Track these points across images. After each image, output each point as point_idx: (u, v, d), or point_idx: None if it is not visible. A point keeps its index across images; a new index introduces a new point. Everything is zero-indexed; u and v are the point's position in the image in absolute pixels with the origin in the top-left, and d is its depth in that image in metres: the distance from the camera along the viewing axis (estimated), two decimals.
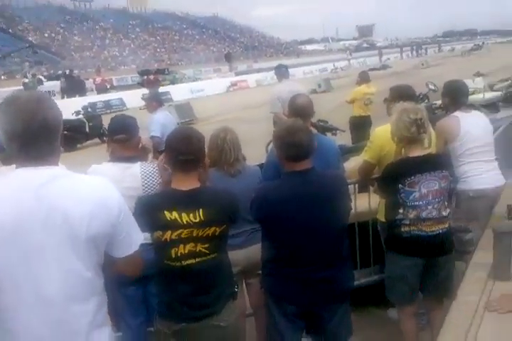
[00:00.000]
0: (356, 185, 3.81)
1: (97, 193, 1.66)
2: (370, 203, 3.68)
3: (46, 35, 56.28)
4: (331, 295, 2.56)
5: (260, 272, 2.79)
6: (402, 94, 3.51)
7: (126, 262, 1.80)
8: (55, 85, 27.56)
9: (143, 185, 2.94)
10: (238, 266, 3.08)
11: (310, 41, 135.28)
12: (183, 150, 2.26)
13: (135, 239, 1.80)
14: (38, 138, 1.59)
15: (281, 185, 2.61)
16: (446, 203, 2.99)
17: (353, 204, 3.54)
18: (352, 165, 4.12)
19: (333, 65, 40.27)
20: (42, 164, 1.60)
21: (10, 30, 52.35)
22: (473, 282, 2.21)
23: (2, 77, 38.26)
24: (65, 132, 13.26)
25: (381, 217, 3.41)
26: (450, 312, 2.01)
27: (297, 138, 2.47)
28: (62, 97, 25.13)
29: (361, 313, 3.86)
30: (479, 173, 3.70)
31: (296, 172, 2.51)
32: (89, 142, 13.37)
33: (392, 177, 2.95)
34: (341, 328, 2.64)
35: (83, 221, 1.59)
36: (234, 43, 77.23)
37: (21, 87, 26.31)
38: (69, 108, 15.68)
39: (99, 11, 71.47)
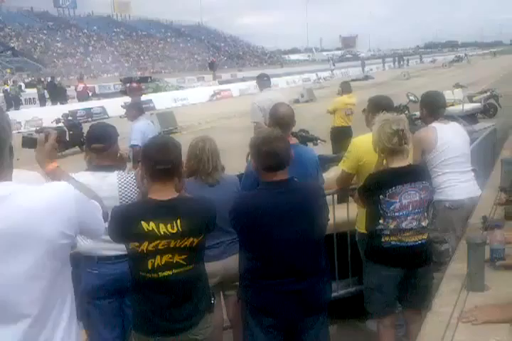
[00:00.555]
0: (335, 196, 3.83)
1: (50, 206, 1.58)
2: (348, 214, 3.69)
3: (28, 41, 55.87)
4: (308, 307, 2.54)
5: (238, 284, 2.77)
6: (379, 105, 3.53)
7: None
8: (36, 92, 27.30)
9: (120, 195, 2.91)
10: (216, 277, 3.06)
11: (294, 51, 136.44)
12: (160, 159, 2.24)
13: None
14: None
15: (258, 195, 2.59)
16: (425, 214, 3.02)
17: (331, 215, 3.58)
18: (331, 175, 4.14)
19: (316, 75, 40.53)
20: None
21: None
22: (448, 293, 2.22)
23: None
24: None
25: (359, 228, 3.42)
26: (424, 323, 2.02)
27: (274, 148, 2.45)
28: (42, 105, 24.89)
29: (340, 325, 3.87)
30: (455, 184, 3.73)
31: (273, 183, 2.50)
32: (68, 151, 13.21)
33: (373, 187, 2.96)
34: (319, 340, 2.62)
35: (42, 235, 1.55)
36: (218, 52, 77.51)
37: (1, 94, 26.06)
38: (49, 116, 15.62)
39: (83, 18, 71.27)
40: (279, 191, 2.49)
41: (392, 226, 2.91)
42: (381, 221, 2.93)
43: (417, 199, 2.91)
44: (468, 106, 13.80)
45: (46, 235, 1.57)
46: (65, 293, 1.68)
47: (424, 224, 2.98)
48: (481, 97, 15.11)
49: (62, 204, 1.62)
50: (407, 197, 2.88)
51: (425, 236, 2.99)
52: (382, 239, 2.94)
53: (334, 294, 3.64)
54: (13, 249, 1.52)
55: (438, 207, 3.78)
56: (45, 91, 26.84)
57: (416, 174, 2.97)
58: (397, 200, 2.88)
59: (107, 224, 1.97)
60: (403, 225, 2.91)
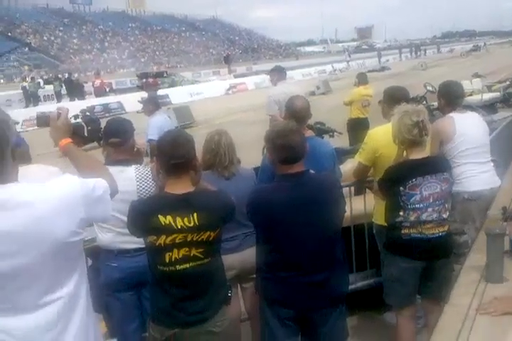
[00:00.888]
0: (352, 188, 3.81)
1: (58, 205, 1.61)
2: (365, 206, 3.68)
3: (45, 38, 56.39)
4: (325, 299, 2.55)
5: (255, 276, 2.78)
6: (394, 96, 3.50)
7: None
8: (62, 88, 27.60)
9: (137, 189, 2.93)
10: (233, 270, 3.08)
11: (309, 43, 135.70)
12: (173, 154, 2.25)
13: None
14: None
15: (274, 188, 2.60)
16: (446, 206, 2.98)
17: (348, 207, 3.56)
18: (348, 167, 4.12)
19: (332, 67, 40.25)
20: None
21: (9, 34, 52.41)
22: (466, 284, 2.20)
23: (1, 81, 38.28)
24: None
25: (377, 220, 3.40)
26: (443, 315, 2.00)
27: (289, 141, 2.46)
28: (58, 101, 25.09)
29: (358, 317, 3.87)
30: (474, 175, 3.69)
31: (289, 175, 2.50)
32: (87, 146, 13.34)
33: (394, 179, 2.93)
34: (336, 332, 2.63)
35: (53, 235, 1.57)
36: (233, 46, 77.34)
37: (20, 91, 26.38)
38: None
39: (98, 14, 71.67)
40: (294, 183, 2.49)
41: (412, 218, 2.89)
42: (401, 213, 2.91)
43: (437, 190, 2.88)
44: (487, 96, 13.60)
45: (53, 236, 1.59)
46: (77, 288, 1.71)
47: (444, 216, 2.95)
48: (500, 87, 14.87)
49: (68, 203, 1.64)
50: (428, 188, 2.86)
51: (445, 229, 2.97)
52: (402, 231, 2.92)
53: (352, 286, 3.62)
54: (19, 251, 1.55)
55: (457, 199, 3.73)
56: (62, 87, 27.10)
57: (436, 165, 2.94)
58: (418, 192, 2.85)
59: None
60: (423, 217, 2.88)
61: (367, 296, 3.60)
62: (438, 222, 2.92)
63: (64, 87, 27.06)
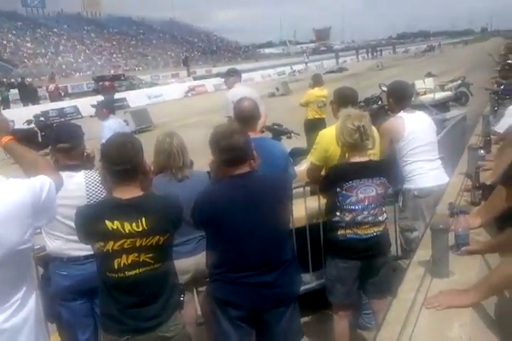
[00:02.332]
0: (307, 188, 3.85)
1: (6, 209, 1.60)
2: (320, 206, 3.72)
3: None
4: (275, 299, 2.56)
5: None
6: (342, 97, 3.57)
7: None
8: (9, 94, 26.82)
9: (87, 194, 2.88)
10: (188, 273, 3.07)
11: (268, 45, 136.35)
12: (117, 160, 2.20)
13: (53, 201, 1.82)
14: None
15: (217, 189, 2.60)
16: (383, 209, 3.07)
17: (303, 207, 3.60)
18: (303, 167, 4.16)
19: (291, 68, 40.60)
20: None
21: None
22: (412, 280, 2.24)
23: None
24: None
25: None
26: (389, 310, 2.04)
27: (232, 142, 2.45)
28: (5, 108, 24.27)
29: (314, 316, 3.91)
30: (423, 172, 3.79)
31: (234, 177, 2.50)
32: (41, 152, 13.02)
33: (332, 180, 3.01)
34: (290, 331, 2.64)
35: (6, 240, 1.55)
36: (192, 48, 77.02)
37: None
38: (21, 117, 15.34)
39: (53, 17, 70.09)
40: (238, 184, 2.49)
41: (347, 219, 2.97)
42: (338, 213, 2.99)
43: (373, 194, 2.96)
44: (440, 95, 14.00)
45: (2, 244, 1.55)
46: (26, 297, 1.67)
47: (381, 218, 3.04)
48: (453, 86, 15.33)
49: (17, 209, 1.61)
50: (364, 191, 2.94)
51: (381, 228, 3.05)
52: (339, 232, 3.00)
53: (308, 286, 3.68)
54: None
55: (407, 196, 3.84)
56: (9, 92, 26.36)
57: (374, 170, 3.01)
58: (354, 194, 2.93)
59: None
60: (359, 218, 2.97)
61: (323, 295, 3.64)
62: (373, 224, 3.00)
63: (11, 93, 26.34)
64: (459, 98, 15.16)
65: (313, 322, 3.87)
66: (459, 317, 1.91)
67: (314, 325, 3.80)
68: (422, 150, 3.83)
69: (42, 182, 1.75)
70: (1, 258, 1.57)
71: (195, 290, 3.29)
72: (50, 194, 1.76)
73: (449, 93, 14.80)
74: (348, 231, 2.98)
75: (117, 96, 23.12)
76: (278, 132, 6.94)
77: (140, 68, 55.75)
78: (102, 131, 6.26)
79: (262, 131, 5.57)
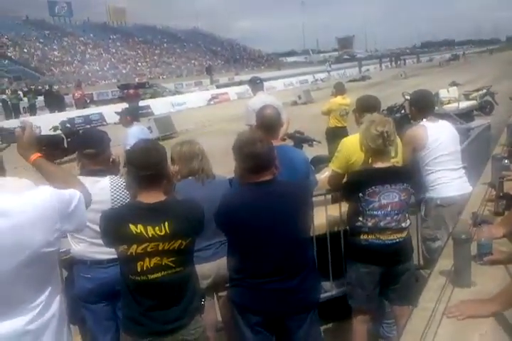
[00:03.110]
0: (328, 196, 3.85)
1: (33, 210, 1.65)
2: (341, 213, 3.71)
3: (25, 50, 56.02)
4: (295, 305, 2.56)
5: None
6: (365, 104, 3.58)
7: None
8: (36, 101, 27.46)
9: (112, 199, 2.93)
10: (208, 278, 3.09)
11: (291, 53, 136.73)
12: (142, 165, 2.25)
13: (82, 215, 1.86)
14: None
15: (239, 195, 2.62)
16: (406, 215, 3.06)
17: (324, 215, 3.60)
18: (324, 175, 4.16)
19: (314, 77, 40.62)
20: None
21: None
22: (434, 289, 2.23)
23: None
24: (43, 148, 13.22)
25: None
26: (410, 319, 2.03)
27: (255, 149, 2.47)
28: (31, 115, 24.78)
29: (334, 324, 3.89)
30: (446, 181, 3.76)
31: (256, 184, 2.52)
32: (67, 158, 13.26)
33: (354, 185, 3.01)
34: (309, 339, 2.64)
35: (29, 242, 1.58)
36: (215, 56, 77.66)
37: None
38: (47, 124, 15.66)
39: (79, 26, 71.47)
40: (261, 191, 2.51)
41: (370, 224, 2.96)
42: (360, 218, 2.98)
43: (396, 200, 2.95)
44: (464, 104, 13.83)
45: (29, 245, 1.59)
46: (50, 299, 1.71)
47: (404, 225, 3.03)
48: (477, 95, 15.14)
49: (44, 214, 1.66)
50: (387, 197, 2.93)
51: (404, 234, 3.04)
52: (361, 237, 3.00)
53: (328, 294, 3.67)
54: None
55: (430, 205, 3.80)
56: (37, 100, 26.96)
57: (398, 176, 3.00)
58: (377, 199, 2.92)
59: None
60: (381, 224, 2.96)
61: (343, 303, 3.62)
62: (396, 230, 2.99)
63: (38, 100, 26.94)
64: (484, 107, 14.96)
65: (333, 329, 3.86)
66: (479, 327, 1.90)
67: (334, 333, 3.78)
68: (445, 159, 3.80)
69: (71, 192, 1.80)
70: (27, 259, 1.61)
71: (215, 296, 3.31)
72: (79, 204, 1.81)
73: (473, 102, 14.61)
74: (370, 236, 2.97)
75: (141, 103, 23.42)
76: (300, 140, 6.95)
77: (164, 76, 56.42)
78: (126, 137, 6.35)
79: (284, 139, 5.59)
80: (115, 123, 7.82)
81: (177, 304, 2.32)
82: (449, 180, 3.79)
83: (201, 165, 3.18)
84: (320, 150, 7.27)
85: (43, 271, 1.71)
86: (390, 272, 3.04)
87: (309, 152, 5.71)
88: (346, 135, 8.45)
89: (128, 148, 5.86)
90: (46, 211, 1.67)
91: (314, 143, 7.22)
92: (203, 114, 22.52)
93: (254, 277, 2.53)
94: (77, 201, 1.80)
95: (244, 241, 2.54)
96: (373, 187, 2.91)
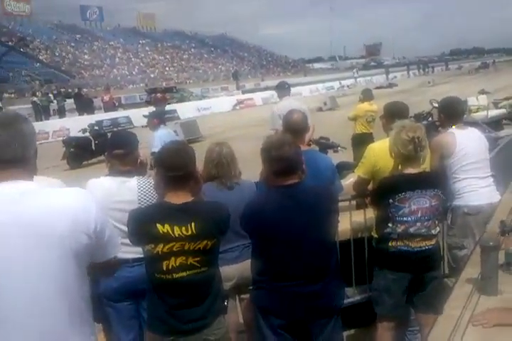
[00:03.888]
0: (353, 202, 3.83)
1: (70, 206, 1.65)
2: (365, 220, 3.69)
3: (57, 54, 57.23)
4: (318, 310, 2.56)
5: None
6: (393, 111, 3.56)
7: (104, 265, 1.84)
8: (66, 103, 28.07)
9: (138, 199, 2.98)
10: (231, 280, 3.11)
11: (317, 60, 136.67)
12: (171, 166, 2.30)
13: (114, 245, 1.82)
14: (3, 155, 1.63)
15: (266, 198, 2.63)
16: (436, 222, 3.02)
17: (348, 221, 3.59)
18: (349, 181, 4.15)
19: (340, 83, 40.48)
20: (9, 179, 1.61)
21: (21, 50, 53.23)
22: (460, 297, 2.21)
23: (12, 95, 38.78)
24: (71, 149, 13.52)
25: (375, 234, 3.42)
26: (435, 326, 2.01)
27: (283, 153, 2.48)
28: (61, 117, 25.29)
29: (357, 330, 3.86)
30: (474, 189, 3.71)
31: (282, 187, 2.53)
32: (94, 159, 13.48)
33: (384, 191, 2.99)
34: None
35: (60, 236, 1.60)
36: (242, 62, 78.05)
37: (30, 106, 26.73)
38: (76, 126, 15.95)
39: (110, 31, 72.73)
40: (287, 195, 2.52)
41: (399, 231, 2.93)
42: (390, 224, 2.96)
43: (426, 206, 2.92)
44: (493, 113, 13.61)
45: (63, 234, 1.62)
46: (76, 295, 1.73)
47: (434, 232, 2.99)
48: (507, 103, 14.88)
49: (81, 207, 1.68)
50: (417, 203, 2.90)
51: (433, 242, 3.01)
52: (390, 244, 2.98)
53: (351, 299, 3.64)
54: (29, 247, 1.58)
55: (457, 213, 3.75)
56: (65, 102, 27.53)
57: (428, 181, 2.98)
58: (407, 205, 2.90)
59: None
60: (411, 230, 2.93)
61: (366, 309, 3.60)
62: (426, 237, 2.96)
63: (67, 102, 27.52)
64: None
65: (355, 336, 3.83)
66: (505, 336, 1.87)
67: (356, 339, 3.76)
68: (473, 167, 3.75)
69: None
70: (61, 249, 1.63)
71: (237, 298, 3.32)
72: (112, 229, 1.84)
73: (503, 111, 14.37)
74: (399, 243, 2.95)
75: (168, 107, 23.65)
76: (325, 146, 6.92)
77: (191, 81, 56.93)
78: (152, 140, 6.44)
79: (309, 144, 5.59)
80: (142, 127, 7.92)
81: (201, 304, 2.34)
82: (477, 188, 3.73)
83: (218, 170, 3.19)
84: (344, 156, 7.23)
85: (74, 265, 1.72)
86: (417, 279, 3.00)
87: (334, 158, 5.68)
88: (372, 141, 8.40)
89: (154, 150, 6.00)
90: (83, 207, 1.68)
91: (339, 149, 7.21)
92: (229, 119, 22.66)
93: (278, 280, 2.54)
94: (111, 225, 1.84)
95: (268, 243, 2.55)
96: (404, 193, 2.89)
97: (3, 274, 1.56)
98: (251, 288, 2.79)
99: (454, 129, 3.87)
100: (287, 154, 2.48)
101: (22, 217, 1.56)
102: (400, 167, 3.05)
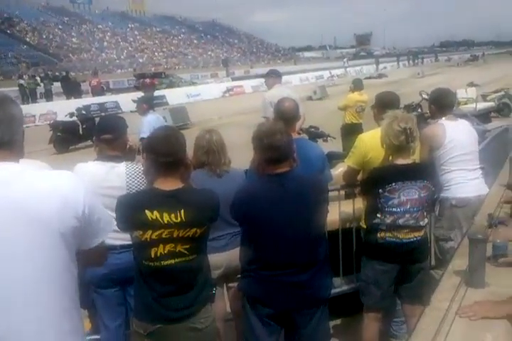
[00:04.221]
0: (342, 192, 3.83)
1: (59, 189, 1.62)
2: (354, 210, 3.70)
3: (44, 36, 56.36)
4: (306, 299, 2.56)
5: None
6: (384, 101, 3.55)
7: (91, 253, 1.78)
8: (53, 87, 27.71)
9: (127, 185, 2.94)
10: (219, 269, 3.10)
11: (308, 48, 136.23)
12: (162, 152, 2.26)
13: (102, 229, 1.76)
14: None
15: (256, 186, 2.62)
16: (425, 213, 3.03)
17: (337, 211, 3.59)
18: (339, 171, 4.14)
19: (330, 73, 40.42)
20: (4, 161, 1.58)
21: (8, 31, 52.32)
22: (447, 289, 2.22)
23: None
24: (58, 133, 13.37)
25: (363, 224, 3.43)
26: (421, 318, 2.02)
27: (275, 140, 2.46)
28: (48, 100, 25.01)
29: (343, 319, 3.89)
30: (462, 181, 3.72)
31: (273, 175, 2.52)
32: (82, 144, 13.35)
33: (374, 181, 2.99)
34: (318, 334, 2.63)
35: (49, 219, 1.58)
36: (232, 49, 77.54)
37: (16, 88, 26.34)
38: (63, 110, 15.76)
39: (98, 14, 71.73)
40: (277, 182, 2.51)
41: (388, 221, 2.94)
42: (379, 215, 2.96)
43: (416, 197, 2.92)
44: (482, 105, 13.70)
45: (51, 217, 1.59)
46: (67, 279, 1.70)
47: (422, 223, 3.00)
48: (495, 96, 14.99)
49: (70, 189, 1.65)
50: (406, 194, 2.90)
51: (421, 234, 3.02)
52: (378, 235, 2.98)
53: (338, 289, 3.66)
54: (14, 226, 1.54)
55: (445, 205, 3.77)
56: (52, 86, 27.19)
57: (418, 172, 2.98)
58: (396, 196, 2.90)
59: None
60: (400, 222, 2.93)
61: (352, 299, 3.62)
62: (414, 228, 2.97)
63: (54, 86, 27.19)
64: (502, 109, 14.82)
65: (341, 325, 3.86)
66: (492, 329, 1.89)
67: (342, 329, 3.79)
68: (462, 159, 3.76)
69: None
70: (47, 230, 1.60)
71: (225, 286, 3.31)
72: (103, 210, 1.79)
73: (491, 104, 14.49)
74: (388, 234, 2.95)
75: (157, 93, 23.48)
76: (314, 135, 6.91)
77: (180, 67, 56.47)
78: (141, 125, 6.38)
79: (299, 133, 5.57)
80: (131, 112, 7.84)
81: (188, 291, 2.33)
82: (466, 180, 3.75)
83: (208, 157, 3.17)
84: (333, 146, 7.23)
85: (61, 249, 1.69)
86: (405, 270, 3.03)
87: (323, 147, 5.68)
88: (361, 131, 8.40)
89: (142, 135, 5.94)
90: (72, 188, 1.63)
91: (329, 138, 7.20)
92: (218, 106, 22.53)
93: (267, 269, 2.53)
94: (102, 207, 1.78)
95: (258, 232, 2.54)
96: (393, 184, 2.89)
97: None
98: (239, 276, 2.79)
99: (443, 121, 3.86)
100: (279, 142, 2.47)
101: (9, 200, 1.53)
102: (390, 157, 3.05)
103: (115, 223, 2.19)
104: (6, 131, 1.60)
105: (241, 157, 3.70)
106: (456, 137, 3.76)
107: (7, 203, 1.53)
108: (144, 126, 6.23)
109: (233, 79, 37.21)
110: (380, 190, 2.90)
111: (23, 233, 1.54)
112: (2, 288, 1.53)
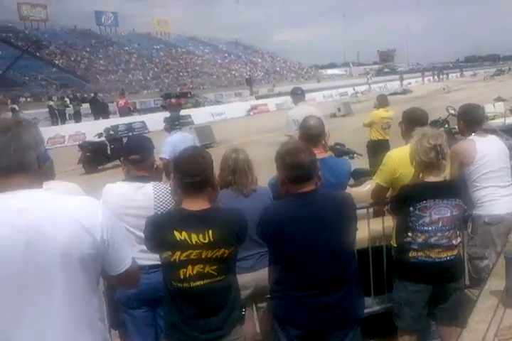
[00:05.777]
0: (370, 209, 3.78)
1: (76, 215, 1.62)
2: (383, 228, 3.64)
3: (72, 58, 57.83)
4: (337, 321, 2.51)
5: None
6: (412, 117, 3.52)
7: (122, 278, 1.78)
8: (81, 108, 28.35)
9: (155, 205, 2.95)
10: (248, 289, 3.06)
11: (331, 66, 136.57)
12: (189, 172, 2.27)
13: (126, 254, 1.76)
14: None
15: (282, 206, 2.59)
16: (457, 232, 2.96)
17: (366, 229, 3.53)
18: (366, 188, 4.09)
19: (354, 89, 40.38)
20: (19, 188, 1.58)
21: (37, 54, 53.90)
22: (485, 310, 2.15)
23: (28, 99, 39.26)
24: (87, 154, 13.60)
25: (394, 243, 3.36)
26: (459, 340, 1.96)
27: (298, 159, 2.44)
28: (76, 121, 25.54)
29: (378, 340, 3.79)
30: (495, 198, 3.64)
31: (299, 194, 2.49)
32: (110, 164, 13.54)
33: (405, 199, 2.94)
34: None
35: (65, 244, 1.56)
36: (255, 68, 78.25)
37: (46, 110, 27.04)
38: (92, 130, 16.05)
39: (125, 36, 73.39)
40: (304, 202, 2.48)
41: (420, 240, 2.88)
42: (409, 234, 2.91)
43: (448, 215, 2.87)
44: (510, 120, 13.44)
45: (67, 244, 1.59)
46: (86, 305, 1.69)
47: (455, 242, 2.93)
48: None
49: (85, 214, 1.64)
50: (438, 212, 2.85)
51: (455, 252, 2.95)
52: (410, 254, 2.92)
53: (369, 310, 3.58)
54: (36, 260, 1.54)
55: (477, 222, 3.69)
56: (81, 107, 27.81)
57: (450, 190, 2.93)
58: (427, 214, 2.85)
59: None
60: (432, 240, 2.87)
61: (385, 320, 3.53)
62: (447, 247, 2.90)
63: (83, 107, 27.81)
64: None
65: None
66: None
67: None
68: (493, 176, 3.68)
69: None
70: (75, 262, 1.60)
71: (254, 307, 3.27)
72: (123, 232, 1.82)
73: None
74: (419, 253, 2.90)
75: (183, 113, 23.73)
76: (341, 152, 6.87)
77: (205, 87, 57.19)
78: (163, 144, 6.43)
79: (327, 150, 5.54)
80: (157, 132, 7.93)
81: (218, 313, 2.31)
82: (498, 197, 3.66)
83: (235, 177, 3.15)
84: (360, 163, 7.17)
85: (79, 275, 1.69)
86: (439, 290, 2.95)
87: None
88: (388, 148, 8.35)
89: (161, 156, 5.96)
90: (89, 214, 1.64)
91: (355, 155, 7.15)
92: (242, 125, 22.68)
93: (295, 290, 2.49)
94: (123, 228, 1.81)
95: (284, 252, 2.51)
96: (424, 202, 2.84)
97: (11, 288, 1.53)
98: (268, 296, 2.75)
99: (473, 136, 3.80)
100: (302, 161, 2.44)
101: (25, 229, 1.54)
102: (421, 175, 3.00)
103: (140, 244, 2.20)
104: (14, 156, 1.59)
105: (264, 175, 3.69)
106: (487, 153, 3.70)
107: (22, 233, 1.53)
108: (166, 145, 6.26)
109: (257, 98, 37.46)
110: (411, 208, 2.85)
111: (40, 262, 1.55)
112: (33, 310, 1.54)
